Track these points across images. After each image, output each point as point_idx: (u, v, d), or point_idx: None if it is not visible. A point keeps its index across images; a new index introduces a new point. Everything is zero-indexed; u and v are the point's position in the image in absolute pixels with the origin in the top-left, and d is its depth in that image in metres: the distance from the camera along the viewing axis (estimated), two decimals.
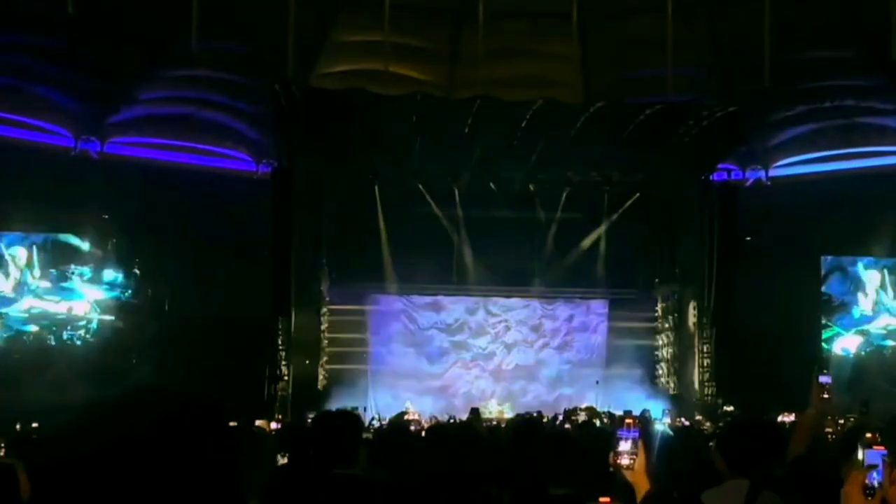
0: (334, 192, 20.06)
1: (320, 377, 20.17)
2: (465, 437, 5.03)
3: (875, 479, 2.49)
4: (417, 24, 20.24)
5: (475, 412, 16.68)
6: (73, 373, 17.50)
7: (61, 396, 15.81)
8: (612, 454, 3.45)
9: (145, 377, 17.97)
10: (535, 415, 13.53)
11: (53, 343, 18.56)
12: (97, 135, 18.79)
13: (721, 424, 15.28)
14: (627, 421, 3.47)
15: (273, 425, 14.02)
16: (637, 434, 3.44)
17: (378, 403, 19.44)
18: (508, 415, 18.74)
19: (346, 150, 19.02)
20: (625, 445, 3.41)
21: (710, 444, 5.74)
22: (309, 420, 15.94)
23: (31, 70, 18.15)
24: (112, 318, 18.87)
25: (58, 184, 17.97)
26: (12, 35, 18.25)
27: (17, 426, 11.65)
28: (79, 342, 18.75)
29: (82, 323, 18.78)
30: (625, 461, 3.40)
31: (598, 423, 9.34)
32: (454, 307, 21.13)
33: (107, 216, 18.57)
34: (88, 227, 18.59)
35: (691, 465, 4.67)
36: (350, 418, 4.53)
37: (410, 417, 16.07)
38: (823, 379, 4.63)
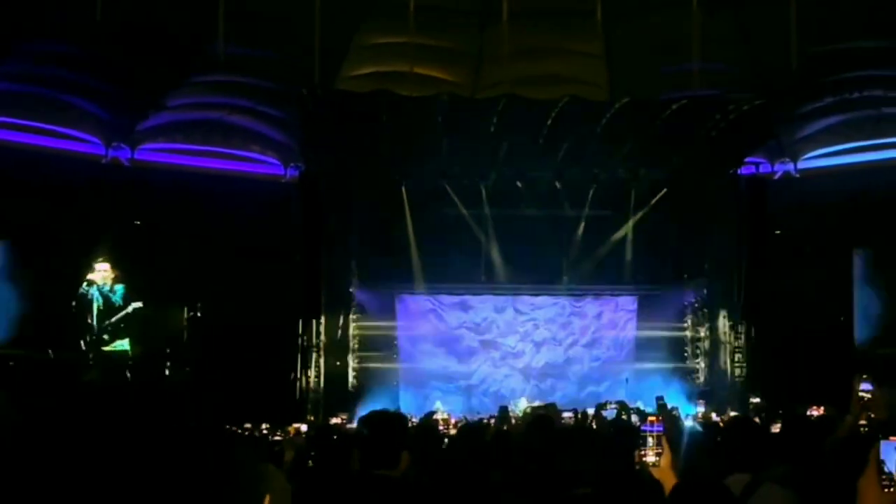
0: (362, 194, 20.17)
1: (351, 378, 20.33)
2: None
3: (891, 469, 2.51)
4: (442, 25, 20.32)
5: (503, 411, 16.75)
6: (109, 376, 17.75)
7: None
8: (637, 451, 3.47)
9: (180, 381, 18.20)
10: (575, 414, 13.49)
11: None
12: (127, 142, 19.03)
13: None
14: (651, 418, 3.51)
15: (303, 427, 14.21)
16: (661, 429, 3.46)
17: (408, 403, 19.53)
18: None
19: (372, 152, 19.13)
20: (649, 441, 3.43)
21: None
22: (340, 420, 16.11)
23: (60, 79, 18.41)
24: (146, 323, 19.07)
25: (90, 191, 18.21)
26: (41, 44, 18.54)
27: None
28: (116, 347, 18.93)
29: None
30: (650, 458, 3.43)
31: (626, 417, 9.35)
32: (482, 306, 21.18)
33: (139, 222, 18.78)
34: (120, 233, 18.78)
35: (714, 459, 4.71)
36: (395, 419, 4.50)
37: (439, 417, 16.14)
38: (865, 386, 4.65)
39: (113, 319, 17.47)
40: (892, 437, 4.34)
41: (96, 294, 17.53)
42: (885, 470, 4.18)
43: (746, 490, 3.75)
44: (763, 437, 4.09)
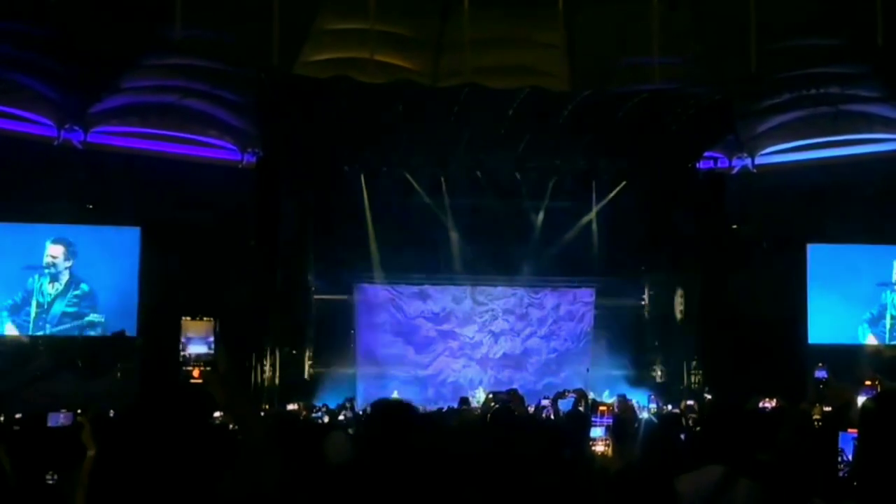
0: (320, 181, 19.97)
1: (307, 367, 20.14)
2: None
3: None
4: (403, 12, 20.13)
5: (464, 402, 16.67)
6: (59, 363, 17.39)
7: (46, 386, 15.73)
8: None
9: (132, 368, 17.90)
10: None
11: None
12: (80, 124, 18.61)
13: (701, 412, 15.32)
14: (602, 408, 3.50)
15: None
16: (611, 421, 3.46)
17: (364, 392, 19.41)
18: (497, 404, 18.73)
19: (331, 139, 18.92)
20: (598, 432, 3.43)
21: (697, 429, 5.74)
22: (297, 407, 15.90)
23: (11, 58, 17.95)
24: (96, 308, 18.72)
25: (41, 174, 17.81)
26: None
27: (1, 417, 11.65)
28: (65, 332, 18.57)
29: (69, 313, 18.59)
30: (599, 448, 3.44)
31: (583, 408, 9.34)
32: (441, 296, 21.11)
33: (91, 206, 18.41)
34: (72, 217, 18.37)
35: (669, 451, 4.68)
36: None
37: None
38: (820, 374, 4.70)
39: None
40: (850, 430, 4.34)
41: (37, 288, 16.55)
42: (843, 459, 4.19)
43: (723, 483, 3.72)
44: (742, 429, 4.04)
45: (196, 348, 2.82)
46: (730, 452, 3.86)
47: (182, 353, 2.79)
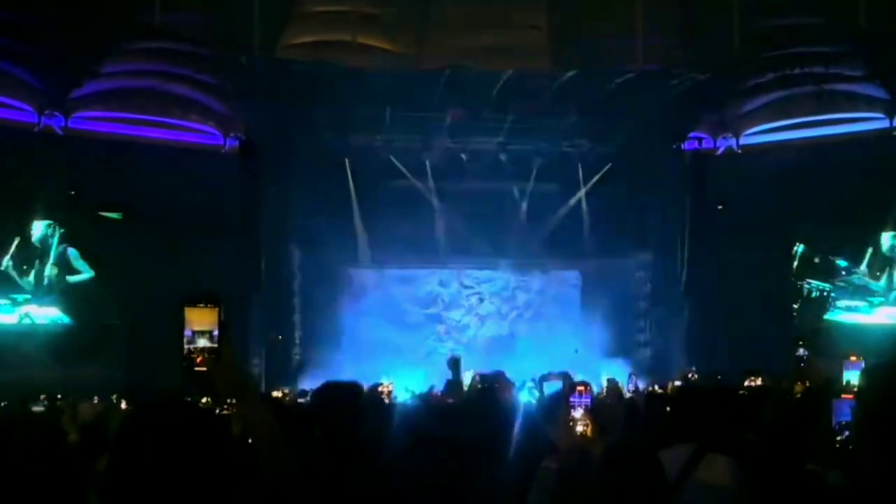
0: (304, 165, 19.87)
1: (294, 353, 20.08)
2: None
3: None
4: None
5: (454, 386, 16.59)
6: (42, 352, 17.29)
7: (31, 376, 15.64)
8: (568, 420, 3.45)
9: (116, 356, 17.82)
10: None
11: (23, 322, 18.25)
12: (61, 109, 18.42)
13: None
14: (579, 388, 3.47)
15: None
16: (589, 400, 3.45)
17: (351, 377, 19.35)
18: (483, 385, 18.73)
19: (314, 123, 18.83)
20: (577, 413, 3.41)
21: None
22: (282, 394, 15.86)
23: None
24: (81, 296, 18.61)
25: (22, 160, 17.65)
26: None
27: None
28: (47, 322, 18.47)
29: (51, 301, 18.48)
30: (579, 427, 3.42)
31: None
32: (427, 280, 21.08)
33: (73, 192, 18.25)
34: (54, 203, 18.24)
35: (655, 431, 4.67)
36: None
37: (384, 389, 15.99)
38: (802, 352, 4.71)
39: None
40: (844, 396, 4.36)
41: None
42: (835, 422, 4.21)
43: (691, 460, 3.72)
44: (710, 408, 4.05)
45: (203, 342, 2.73)
46: (701, 431, 3.87)
47: (187, 347, 2.70)
